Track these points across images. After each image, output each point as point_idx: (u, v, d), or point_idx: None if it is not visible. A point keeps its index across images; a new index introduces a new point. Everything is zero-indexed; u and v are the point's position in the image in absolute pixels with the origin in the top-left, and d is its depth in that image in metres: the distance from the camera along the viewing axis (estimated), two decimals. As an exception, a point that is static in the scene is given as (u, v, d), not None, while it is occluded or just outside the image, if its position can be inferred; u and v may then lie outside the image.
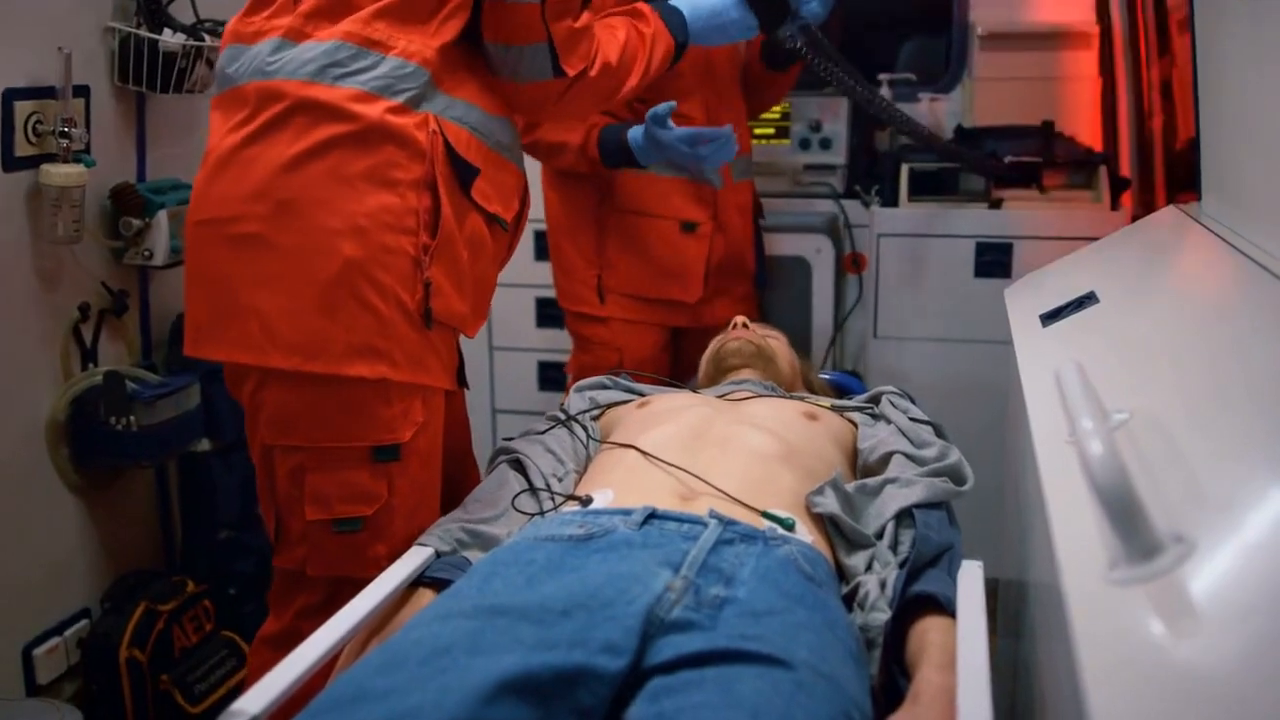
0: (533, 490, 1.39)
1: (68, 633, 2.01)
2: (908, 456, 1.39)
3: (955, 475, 1.35)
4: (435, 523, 1.37)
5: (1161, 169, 2.43)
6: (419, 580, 1.26)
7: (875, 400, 1.58)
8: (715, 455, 1.31)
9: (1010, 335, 1.64)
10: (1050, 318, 1.50)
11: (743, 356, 1.75)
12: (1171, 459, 0.93)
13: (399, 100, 1.30)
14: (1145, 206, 2.42)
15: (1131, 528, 0.77)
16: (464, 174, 1.34)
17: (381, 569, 1.27)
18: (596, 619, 0.95)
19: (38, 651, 1.95)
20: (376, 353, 1.29)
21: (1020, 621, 1.33)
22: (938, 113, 2.73)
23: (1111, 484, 0.78)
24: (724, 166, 2.17)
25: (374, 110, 1.28)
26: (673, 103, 1.99)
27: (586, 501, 1.25)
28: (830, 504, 1.25)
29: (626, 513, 1.17)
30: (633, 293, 2.23)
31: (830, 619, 1.03)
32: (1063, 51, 2.65)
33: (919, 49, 2.91)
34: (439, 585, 1.25)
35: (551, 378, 2.95)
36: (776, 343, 1.83)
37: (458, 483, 1.57)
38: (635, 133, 2.05)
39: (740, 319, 1.86)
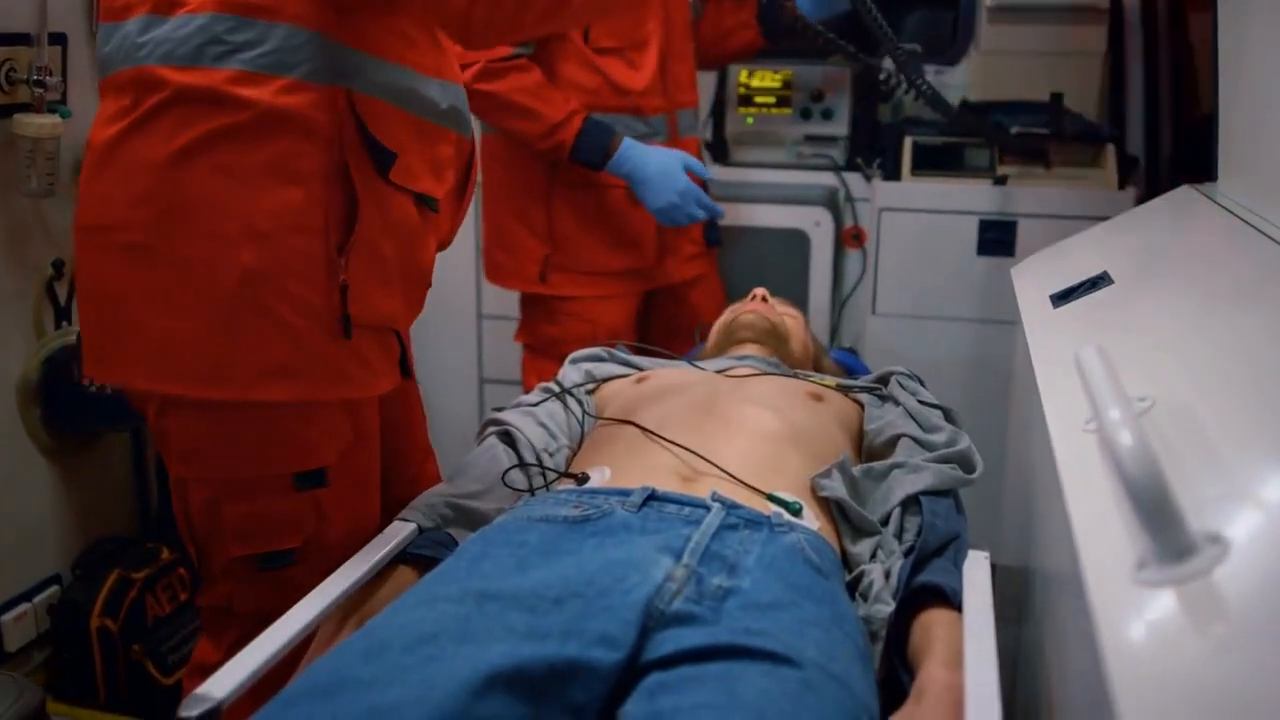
0: (524, 465, 1.33)
1: (37, 599, 1.96)
2: (916, 440, 1.34)
3: (965, 462, 1.30)
4: (419, 496, 1.31)
5: (1171, 149, 2.38)
6: (399, 557, 1.21)
7: (883, 381, 1.53)
8: (718, 434, 1.25)
9: (1015, 315, 1.59)
10: (1061, 298, 1.45)
11: (754, 331, 1.69)
12: (1200, 450, 0.88)
13: (294, 76, 1.12)
14: (1153, 187, 2.38)
15: (1163, 525, 0.72)
16: (380, 158, 1.18)
17: None
18: (592, 609, 0.90)
19: (5, 618, 1.90)
20: (290, 372, 1.15)
21: (1025, 610, 1.29)
22: (943, 86, 2.66)
23: (1143, 478, 0.73)
24: (672, 121, 2.21)
25: (263, 92, 1.11)
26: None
27: (582, 480, 1.20)
28: (837, 488, 1.20)
29: (625, 493, 1.11)
30: (590, 269, 2.17)
31: (839, 614, 0.98)
32: (1072, 26, 2.58)
33: (924, 20, 2.84)
34: (420, 563, 1.20)
35: (540, 347, 2.89)
36: (793, 322, 1.77)
37: (414, 484, 1.46)
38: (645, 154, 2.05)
39: (760, 291, 1.79)
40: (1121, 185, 2.32)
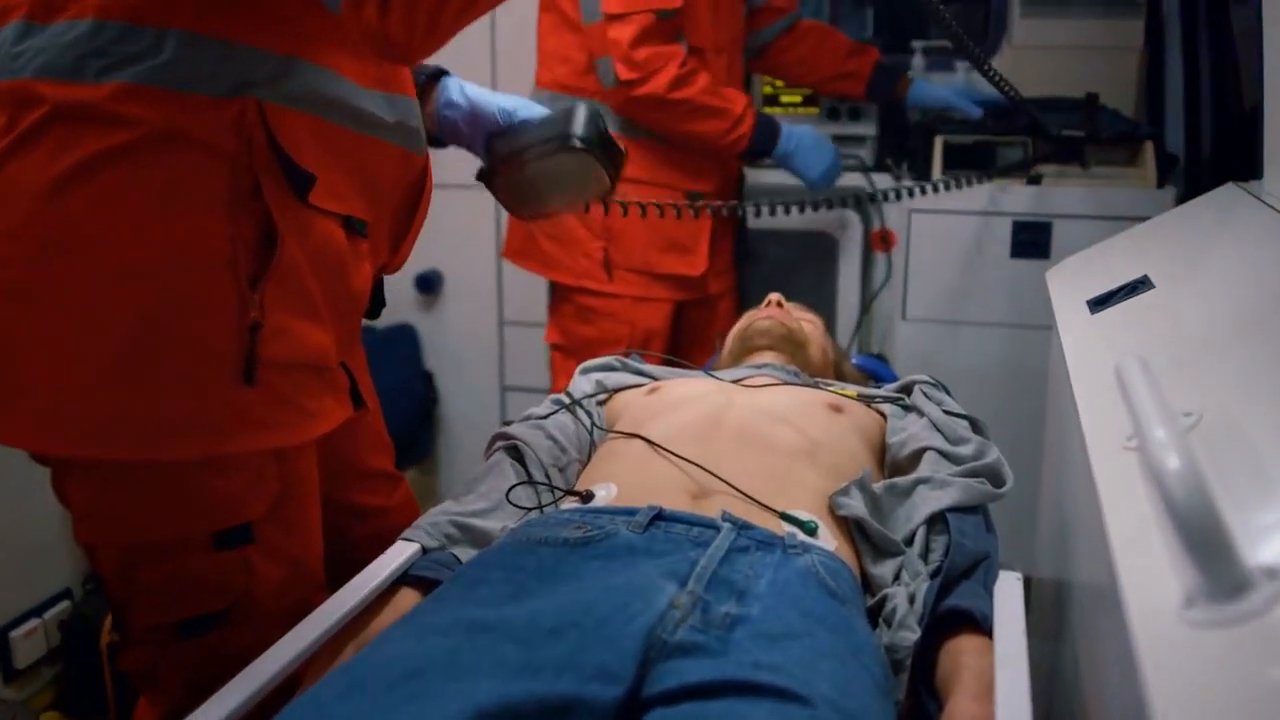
0: (531, 482, 1.27)
1: (47, 614, 1.93)
2: (941, 454, 1.27)
3: (994, 476, 1.23)
4: (424, 514, 1.26)
5: (1212, 146, 2.29)
6: (402, 579, 1.16)
7: (906, 390, 1.45)
8: (730, 449, 1.19)
9: (1051, 320, 1.53)
10: (1099, 304, 1.38)
11: (770, 338, 1.62)
12: (1252, 472, 0.81)
13: (192, 90, 0.98)
14: (1193, 186, 2.29)
15: (1214, 559, 0.66)
16: (296, 179, 1.04)
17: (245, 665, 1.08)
18: (590, 640, 0.84)
19: (15, 634, 1.87)
20: (195, 424, 1.02)
21: (1060, 627, 1.22)
22: (973, 82, 2.59)
23: (1191, 506, 0.66)
24: None
25: (154, 109, 0.97)
26: None
27: (587, 498, 1.14)
28: (857, 506, 1.14)
29: (630, 512, 1.05)
30: (639, 268, 2.17)
31: (855, 644, 0.91)
32: (1107, 19, 2.50)
33: (955, 14, 2.75)
34: (424, 585, 1.14)
35: (564, 354, 2.84)
36: (811, 327, 1.70)
37: (377, 517, 1.39)
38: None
39: (775, 296, 1.73)
40: (1160, 184, 2.23)
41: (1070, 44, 2.51)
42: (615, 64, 2.03)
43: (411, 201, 1.24)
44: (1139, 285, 1.36)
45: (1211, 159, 2.26)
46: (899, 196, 2.16)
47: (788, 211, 1.92)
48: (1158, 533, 0.76)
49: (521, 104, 1.30)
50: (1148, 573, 0.74)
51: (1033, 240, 2.23)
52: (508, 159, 1.24)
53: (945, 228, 2.27)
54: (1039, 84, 2.49)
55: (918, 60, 2.56)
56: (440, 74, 1.33)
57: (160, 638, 1.12)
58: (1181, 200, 2.17)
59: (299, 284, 1.06)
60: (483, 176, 1.32)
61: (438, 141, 1.33)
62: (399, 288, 2.89)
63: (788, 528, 1.07)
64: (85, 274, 0.98)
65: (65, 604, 1.97)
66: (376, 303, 1.28)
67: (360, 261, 1.16)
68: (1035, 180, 2.26)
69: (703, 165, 2.22)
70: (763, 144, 2.18)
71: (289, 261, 1.04)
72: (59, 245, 0.97)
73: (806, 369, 1.58)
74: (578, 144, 1.20)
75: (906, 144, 2.50)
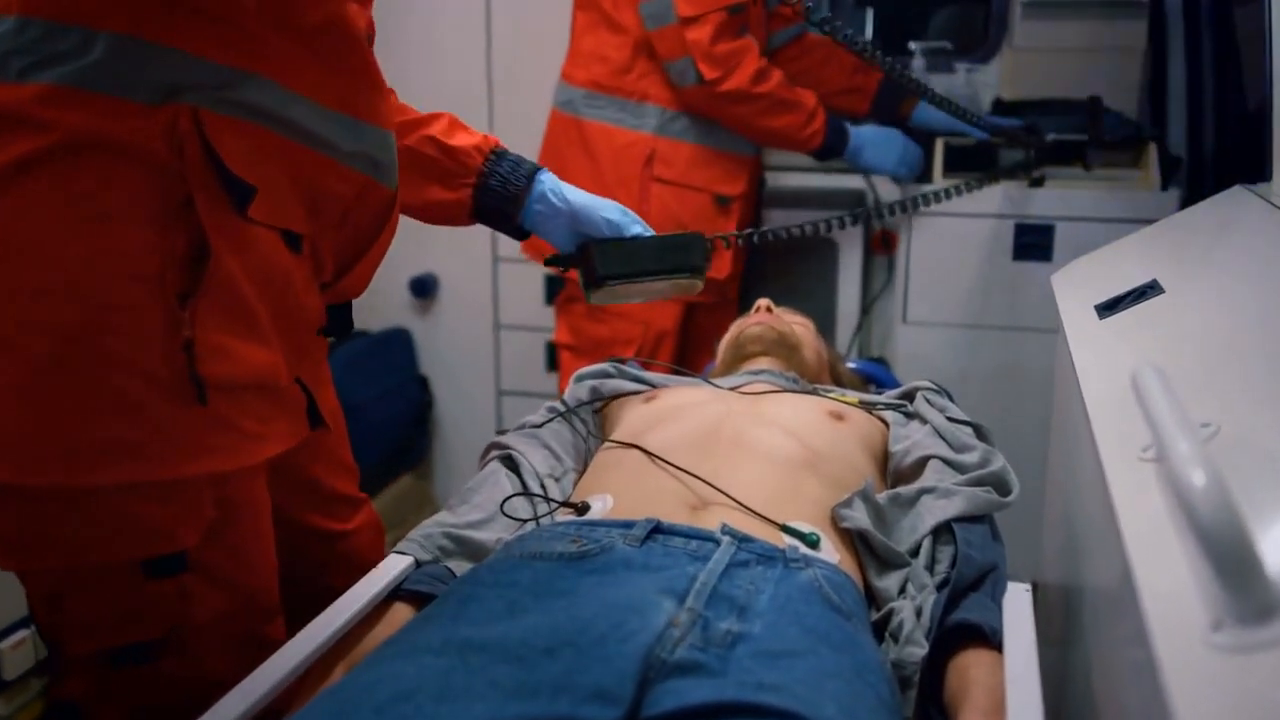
0: (526, 494, 1.24)
1: (34, 628, 1.88)
2: (946, 462, 1.23)
3: (999, 484, 1.20)
4: (418, 526, 1.23)
5: (1215, 148, 2.26)
6: (395, 593, 1.13)
7: (909, 397, 1.42)
8: (730, 459, 1.15)
9: (1055, 324, 1.50)
10: (1108, 309, 1.34)
11: (763, 343, 1.59)
12: (1275, 485, 0.78)
13: (121, 94, 0.92)
14: (1196, 188, 2.26)
15: (1244, 581, 0.62)
16: (235, 191, 0.98)
17: (199, 697, 1.00)
18: (586, 659, 0.81)
19: (4, 645, 1.82)
20: (123, 448, 0.95)
21: (1071, 635, 1.19)
22: (974, 84, 2.56)
23: (1219, 525, 0.63)
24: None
25: (79, 114, 0.90)
26: None
27: (582, 510, 1.11)
28: (860, 518, 1.10)
29: (627, 525, 1.02)
30: None
31: (861, 662, 0.88)
32: (1110, 20, 2.47)
33: (955, 15, 2.73)
34: (418, 599, 1.11)
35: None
36: (803, 330, 1.67)
37: (338, 540, 1.33)
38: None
39: (764, 302, 1.70)
40: (1164, 186, 2.21)
41: (1072, 46, 2.48)
42: (697, 63, 2.06)
43: (371, 231, 1.17)
44: (1148, 290, 1.33)
45: (1215, 161, 2.23)
46: (904, 210, 2.14)
47: (803, 234, 1.90)
48: (1180, 550, 0.73)
49: (626, 219, 1.31)
50: (1171, 592, 0.71)
51: (1035, 243, 2.20)
52: (618, 275, 1.28)
53: (946, 230, 2.24)
54: (1041, 86, 2.46)
55: (917, 62, 2.53)
56: (536, 171, 1.33)
57: (93, 667, 1.06)
58: (1185, 203, 2.14)
59: (238, 301, 1.00)
60: (558, 263, 1.35)
61: (521, 231, 1.34)
62: (394, 292, 2.87)
63: (789, 540, 1.04)
64: (3, 291, 0.92)
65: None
66: (342, 323, 1.22)
67: (309, 276, 1.10)
68: (1038, 183, 2.23)
69: (732, 169, 2.22)
70: (835, 140, 2.20)
71: (225, 277, 0.98)
72: None
73: (803, 373, 1.55)
74: (697, 276, 1.30)
75: (822, 156, 2.48)
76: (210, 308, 0.97)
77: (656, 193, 2.14)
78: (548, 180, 1.32)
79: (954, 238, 2.24)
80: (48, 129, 0.90)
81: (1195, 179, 2.29)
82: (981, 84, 2.56)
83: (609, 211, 1.30)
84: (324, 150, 1.06)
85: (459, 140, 1.31)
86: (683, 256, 1.28)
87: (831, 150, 2.23)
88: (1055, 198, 2.20)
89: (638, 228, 1.30)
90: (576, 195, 1.31)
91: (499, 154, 1.32)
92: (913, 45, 2.52)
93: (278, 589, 1.17)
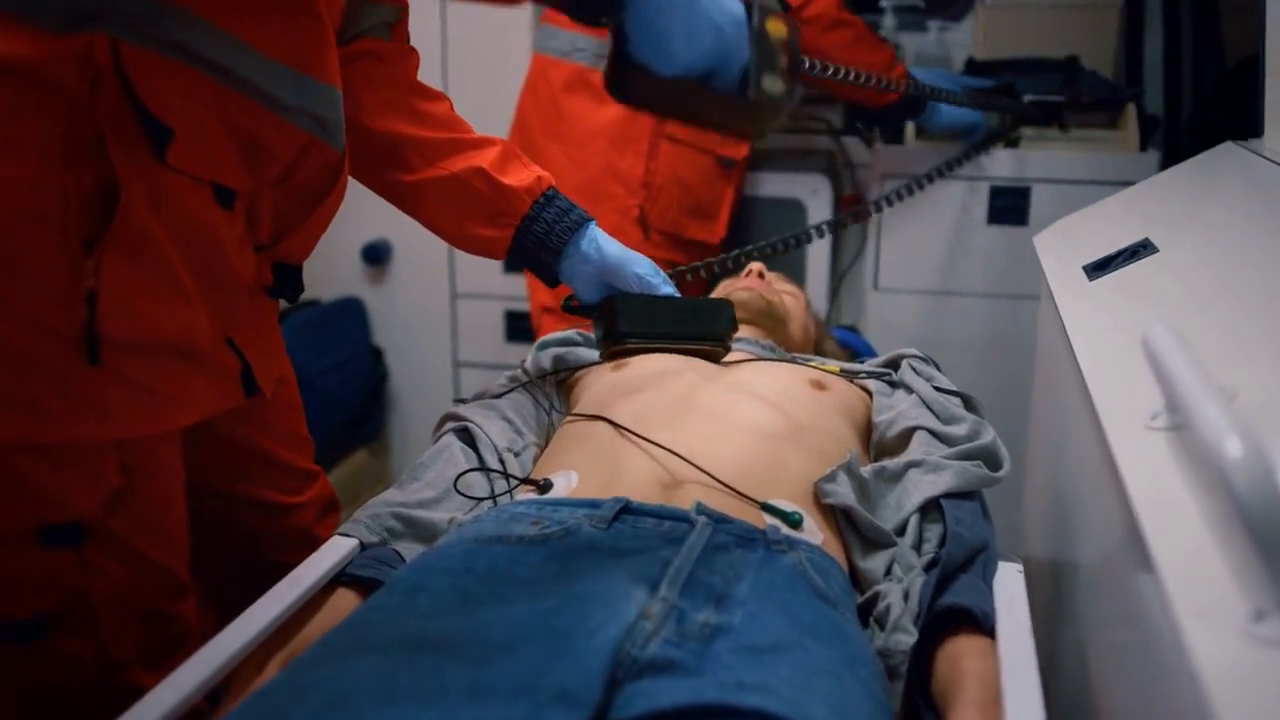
0: (482, 469, 1.15)
1: None
2: (933, 434, 1.16)
3: (990, 458, 1.13)
4: (364, 505, 1.13)
5: (1194, 107, 2.20)
6: (338, 579, 1.03)
7: (893, 365, 1.34)
8: (704, 431, 1.07)
9: (1036, 289, 1.44)
10: (1098, 269, 1.27)
11: (749, 310, 1.50)
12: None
13: (35, 18, 0.83)
14: (1173, 148, 2.21)
15: (1293, 564, 0.55)
16: (152, 133, 0.89)
17: (96, 676, 0.93)
18: (548, 657, 0.72)
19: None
20: (8, 401, 0.87)
21: (1063, 615, 1.13)
22: (947, 43, 2.48)
23: (1262, 501, 0.56)
24: None
25: None
26: None
27: (544, 488, 1.02)
28: (845, 493, 1.02)
29: (594, 505, 0.93)
30: (668, 229, 2.09)
31: (851, 655, 0.80)
32: (1085, -24, 2.41)
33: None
34: (363, 585, 1.02)
35: (520, 329, 2.72)
36: (793, 300, 1.59)
37: (280, 515, 1.25)
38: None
39: (757, 265, 1.61)
40: (1143, 147, 2.14)
41: (1048, 3, 2.41)
42: None
43: (315, 193, 1.09)
44: (1140, 249, 1.26)
45: (1194, 121, 2.17)
46: (878, 209, 2.06)
47: (773, 252, 1.80)
48: (1208, 529, 0.66)
49: (657, 278, 1.25)
50: (1200, 577, 0.63)
51: (1011, 206, 2.14)
52: (640, 335, 1.22)
53: (919, 194, 2.16)
54: (1015, 45, 2.39)
55: (889, 20, 2.44)
56: (584, 223, 1.27)
57: None
58: (1165, 164, 2.08)
59: (152, 253, 0.90)
60: (579, 311, 1.28)
61: (554, 278, 1.28)
62: (345, 259, 2.75)
63: (769, 520, 0.96)
64: None
65: None
66: (291, 284, 1.14)
67: (241, 234, 1.01)
68: (1013, 143, 2.16)
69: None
70: (917, 91, 2.04)
71: (137, 225, 0.89)
72: None
73: (785, 346, 1.47)
74: (720, 345, 1.24)
75: (898, 114, 2.39)
76: (118, 258, 0.87)
77: (665, 151, 2.05)
78: (590, 232, 1.26)
79: (926, 201, 2.17)
80: None
81: (1173, 139, 2.23)
82: (954, 43, 2.48)
83: (640, 267, 1.25)
84: (264, 102, 0.96)
85: (510, 178, 1.25)
86: (708, 324, 1.23)
87: (911, 105, 2.08)
88: (1031, 160, 2.13)
89: (668, 288, 1.24)
90: (611, 248, 1.26)
91: (548, 198, 1.26)
92: (884, 3, 2.44)
93: (187, 566, 1.08)
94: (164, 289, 0.92)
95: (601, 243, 1.26)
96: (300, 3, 0.98)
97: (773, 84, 0.92)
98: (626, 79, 0.88)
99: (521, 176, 1.25)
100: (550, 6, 0.91)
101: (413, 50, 1.26)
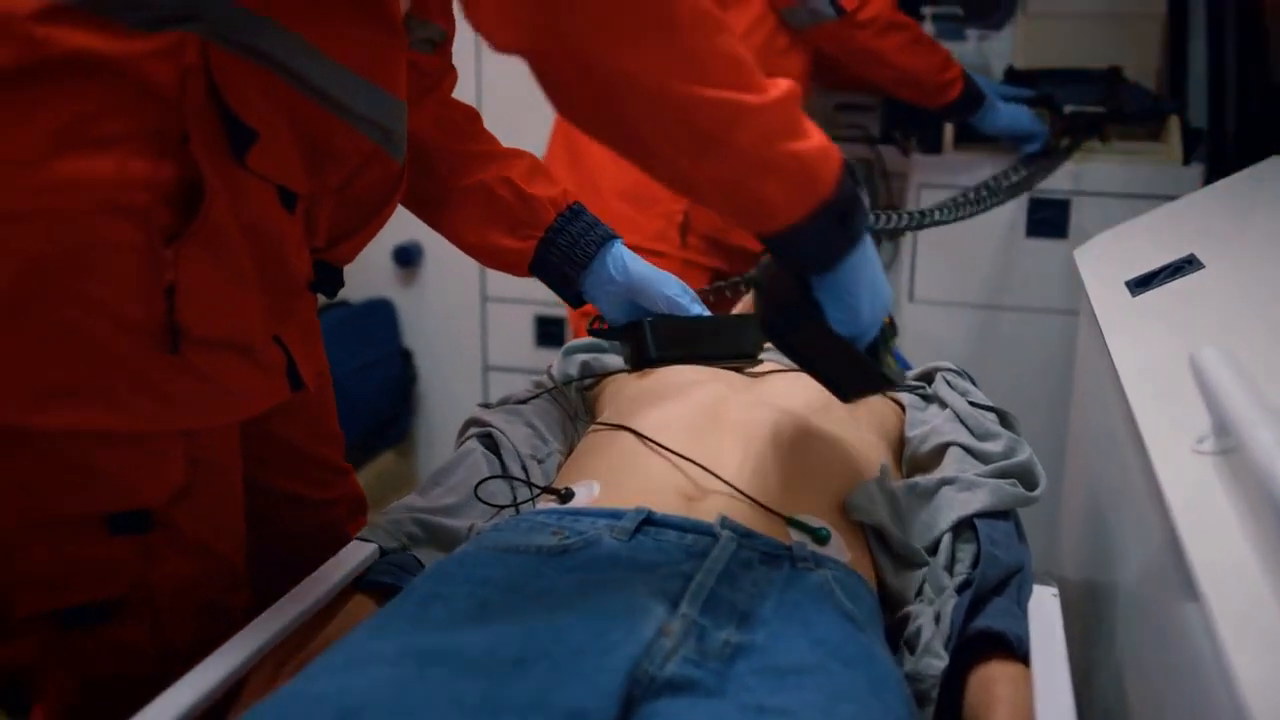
0: (503, 476, 1.13)
1: None
2: (967, 450, 1.12)
3: (1025, 476, 1.09)
4: (385, 510, 1.12)
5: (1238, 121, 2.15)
6: (357, 584, 1.02)
7: (927, 378, 1.31)
8: (731, 443, 1.04)
9: (1074, 304, 1.41)
10: (1141, 285, 1.24)
11: None
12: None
13: (130, 19, 0.83)
14: (1217, 161, 2.16)
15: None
16: (236, 134, 0.89)
17: (154, 665, 0.94)
18: (563, 674, 0.70)
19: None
20: (83, 391, 0.87)
21: (1098, 639, 1.10)
22: (986, 52, 2.45)
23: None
24: None
25: (80, 33, 0.82)
26: None
27: (565, 497, 1.00)
28: (875, 510, 0.99)
29: (615, 515, 0.91)
30: (712, 234, 2.06)
31: (877, 679, 0.77)
32: (1130, -15, 2.36)
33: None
34: (381, 592, 1.00)
35: (550, 333, 2.71)
36: None
37: (323, 508, 1.25)
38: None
39: None
40: (1186, 160, 2.10)
41: (1089, 11, 2.37)
42: None
43: (373, 203, 1.10)
44: (1185, 265, 1.23)
45: (1240, 134, 2.13)
46: (922, 221, 1.92)
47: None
48: (1255, 555, 0.63)
49: (686, 297, 1.21)
50: (1248, 605, 0.60)
51: (1050, 218, 2.10)
52: (670, 357, 1.19)
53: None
54: (1056, 55, 2.35)
55: (928, 27, 2.41)
56: (609, 240, 1.23)
57: (43, 628, 0.99)
58: (1210, 178, 2.04)
59: (228, 250, 0.91)
60: (606, 335, 1.25)
61: (579, 298, 1.25)
62: (377, 261, 2.75)
63: (796, 535, 0.93)
64: None
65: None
66: (333, 280, 1.14)
67: (301, 236, 1.01)
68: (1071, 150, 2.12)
69: None
70: (972, 92, 2.04)
71: (216, 223, 0.89)
72: None
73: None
74: (751, 361, 1.22)
75: (916, 114, 2.36)
76: (197, 253, 0.88)
77: None
78: (615, 249, 1.23)
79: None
80: (39, 44, 0.81)
81: (1217, 153, 2.19)
82: (993, 52, 2.45)
83: (669, 288, 1.21)
84: (335, 110, 0.97)
85: (537, 189, 1.23)
86: (739, 341, 1.21)
87: (965, 106, 2.06)
88: (1072, 171, 2.10)
89: (697, 307, 1.21)
90: (638, 267, 1.22)
91: (574, 212, 1.23)
92: (923, 10, 2.40)
93: (244, 558, 1.10)
94: (233, 286, 0.92)
95: (628, 261, 1.23)
96: (382, 18, 0.98)
97: (889, 361, 1.02)
98: (794, 328, 0.94)
99: (548, 189, 1.24)
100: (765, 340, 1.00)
101: (452, 69, 1.25)
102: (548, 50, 0.77)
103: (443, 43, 1.19)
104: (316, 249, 1.06)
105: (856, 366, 0.95)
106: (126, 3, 0.83)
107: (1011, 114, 2.10)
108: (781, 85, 0.82)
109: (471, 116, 1.26)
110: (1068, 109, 2.15)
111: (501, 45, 0.79)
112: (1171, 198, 1.63)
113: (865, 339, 0.95)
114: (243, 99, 0.89)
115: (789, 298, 0.92)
